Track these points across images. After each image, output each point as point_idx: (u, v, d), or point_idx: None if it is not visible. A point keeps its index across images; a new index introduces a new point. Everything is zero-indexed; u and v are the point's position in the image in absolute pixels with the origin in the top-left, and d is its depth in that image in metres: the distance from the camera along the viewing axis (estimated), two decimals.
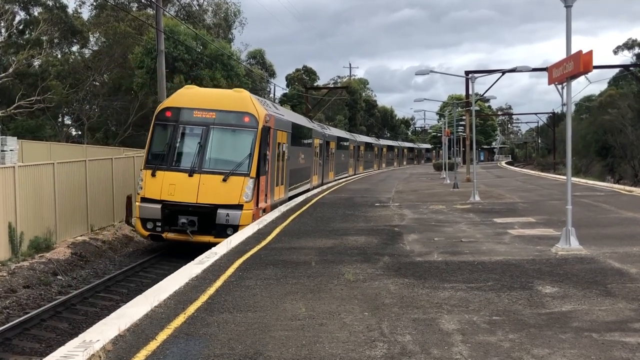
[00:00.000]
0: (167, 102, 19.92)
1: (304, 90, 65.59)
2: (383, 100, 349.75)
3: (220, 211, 18.08)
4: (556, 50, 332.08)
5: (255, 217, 18.62)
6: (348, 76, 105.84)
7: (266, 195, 20.44)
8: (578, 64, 11.36)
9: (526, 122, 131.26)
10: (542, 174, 54.08)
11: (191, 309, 8.23)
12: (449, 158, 53.69)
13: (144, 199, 18.45)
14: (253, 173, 18.73)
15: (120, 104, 44.98)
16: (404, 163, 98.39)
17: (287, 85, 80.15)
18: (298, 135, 27.61)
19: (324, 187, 33.95)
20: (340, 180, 42.36)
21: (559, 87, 13.09)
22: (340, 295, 8.92)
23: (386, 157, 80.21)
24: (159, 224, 18.33)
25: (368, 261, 11.49)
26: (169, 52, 37.82)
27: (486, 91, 47.38)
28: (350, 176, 50.28)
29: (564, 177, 15.30)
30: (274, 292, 9.13)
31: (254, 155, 18.85)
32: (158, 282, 10.31)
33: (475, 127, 29.97)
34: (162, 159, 18.77)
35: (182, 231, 18.18)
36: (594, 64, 12.13)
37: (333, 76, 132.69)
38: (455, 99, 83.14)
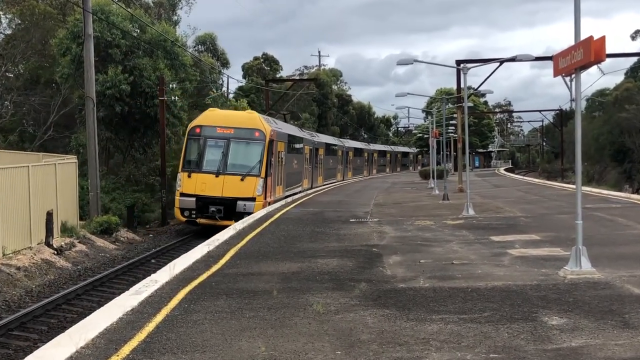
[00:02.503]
0: (196, 122, 31.22)
1: (263, 83, 65.59)
2: (358, 94, 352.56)
3: (239, 202, 29.15)
4: (562, 36, 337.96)
5: (263, 206, 29.23)
6: (316, 66, 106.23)
7: (271, 192, 31.57)
8: (588, 52, 11.52)
9: (529, 121, 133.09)
10: (548, 182, 54.79)
11: (125, 350, 8.12)
12: (438, 164, 54.10)
13: (183, 194, 29.48)
14: (262, 174, 29.93)
15: (39, 100, 44.39)
16: (398, 169, 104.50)
17: (244, 77, 79.94)
18: (292, 144, 38.66)
19: (289, 199, 34.21)
20: (310, 192, 42.44)
21: (567, 79, 13.26)
22: (308, 330, 8.90)
23: (377, 162, 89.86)
24: (193, 212, 29.26)
25: (341, 289, 11.48)
26: (101, 37, 37.51)
27: (481, 84, 48.02)
28: (338, 182, 59.38)
29: (574, 187, 15.49)
30: (227, 328, 9.06)
31: (263, 161, 30.09)
32: (85, 317, 10.16)
33: (468, 126, 30.26)
34: (195, 164, 30.07)
35: (211, 217, 29.05)
36: (608, 51, 12.33)
37: (299, 66, 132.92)
38: (445, 93, 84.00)
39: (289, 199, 34.39)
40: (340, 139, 70.20)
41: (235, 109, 57.01)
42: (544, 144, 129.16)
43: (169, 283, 12.11)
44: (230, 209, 29.04)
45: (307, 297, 10.87)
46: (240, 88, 71.14)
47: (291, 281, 12.24)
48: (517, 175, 77.87)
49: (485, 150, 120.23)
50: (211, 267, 13.77)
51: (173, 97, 38.88)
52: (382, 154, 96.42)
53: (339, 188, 49.03)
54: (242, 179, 29.54)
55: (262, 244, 17.33)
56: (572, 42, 12.32)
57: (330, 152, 57.28)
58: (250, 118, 31.59)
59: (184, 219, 29.94)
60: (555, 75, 13.20)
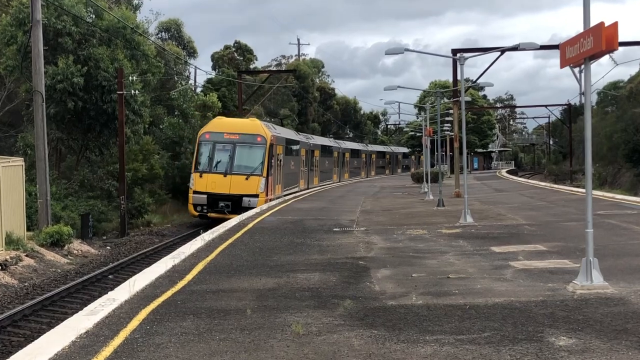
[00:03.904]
0: (206, 128, 40.46)
1: (235, 75, 65.55)
2: (342, 88, 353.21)
3: (244, 198, 37.51)
4: (570, 22, 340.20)
5: (265, 202, 37.20)
6: (296, 56, 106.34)
7: (271, 190, 40.29)
8: (599, 40, 11.60)
9: (533, 118, 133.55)
10: (555, 186, 55.10)
11: None
12: (432, 166, 54.27)
13: (195, 192, 38.13)
14: (264, 174, 38.63)
15: None
16: (398, 171, 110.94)
17: (214, 68, 79.85)
18: (289, 147, 47.82)
19: (265, 206, 34.35)
20: (289, 199, 42.53)
21: (575, 70, 13.35)
22: (286, 354, 8.90)
23: (376, 164, 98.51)
24: (205, 207, 37.84)
25: (323, 307, 11.49)
26: (49, 24, 37.31)
27: (480, 76, 48.15)
28: (334, 183, 67.54)
29: (583, 191, 15.59)
30: (195, 352, 9.04)
31: (264, 163, 38.79)
32: (34, 341, 10.10)
33: (466, 123, 30.38)
34: (206, 165, 38.67)
35: (220, 211, 37.14)
36: (621, 39, 12.41)
37: (275, 56, 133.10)
38: (439, 86, 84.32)
39: (265, 206, 34.53)
40: (337, 141, 79.29)
41: (204, 103, 57.40)
42: (551, 143, 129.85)
43: (129, 302, 12.06)
44: (237, 204, 37.25)
45: (285, 316, 10.86)
46: (209, 80, 71.11)
47: (267, 299, 12.23)
48: (520, 178, 78.27)
49: (485, 150, 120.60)
50: (176, 284, 13.73)
51: (133, 91, 38.74)
52: (381, 155, 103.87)
53: (325, 192, 49.14)
54: (246, 178, 38.19)
55: (234, 257, 17.30)
56: (580, 29, 12.41)
57: (326, 153, 65.98)
58: (253, 125, 40.54)
59: (197, 213, 38.62)
60: (562, 66, 13.27)
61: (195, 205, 38.22)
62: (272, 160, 39.96)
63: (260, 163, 38.71)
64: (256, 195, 37.72)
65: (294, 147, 50.15)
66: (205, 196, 37.70)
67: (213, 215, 37.21)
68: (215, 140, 38.93)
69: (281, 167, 43.85)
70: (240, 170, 38.41)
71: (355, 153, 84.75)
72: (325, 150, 66.28)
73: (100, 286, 22.45)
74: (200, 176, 38.22)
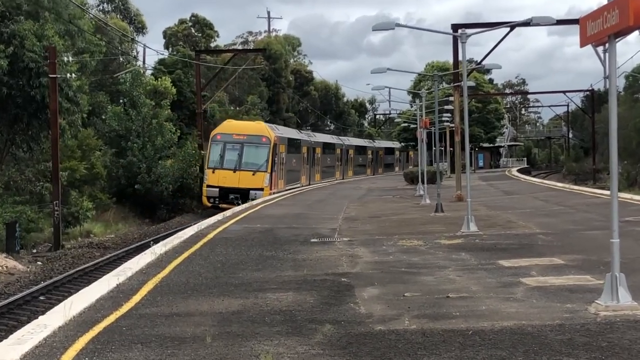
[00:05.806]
0: (218, 130, 54.83)
1: (193, 55, 65.41)
2: (321, 71, 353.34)
3: (251, 191, 51.05)
4: None
5: (269, 195, 50.35)
6: (266, 32, 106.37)
7: (275, 184, 53.88)
8: (626, 14, 11.65)
9: (549, 106, 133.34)
10: (575, 187, 55.35)
11: None
12: (430, 163, 54.38)
13: (209, 186, 52.56)
14: (269, 170, 52.60)
15: None
16: (410, 167, 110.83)
17: (166, 46, 79.68)
18: (291, 145, 62.03)
19: (229, 213, 34.33)
20: (256, 204, 42.58)
21: (598, 50, 13.42)
22: None
23: (383, 160, 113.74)
24: (217, 199, 52.03)
25: (298, 333, 11.49)
26: None
27: (485, 56, 48.32)
28: (336, 180, 79.45)
29: (608, 193, 15.67)
30: None
31: (269, 161, 52.77)
32: None
33: (469, 113, 30.46)
34: (217, 162, 52.96)
35: (230, 202, 48.72)
36: None
37: (241, 32, 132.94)
38: (437, 68, 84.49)
39: (229, 212, 34.51)
40: (341, 137, 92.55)
41: (155, 89, 57.46)
42: (570, 136, 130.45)
43: (64, 328, 12.02)
44: (245, 196, 49.71)
45: (252, 344, 10.86)
46: (161, 61, 70.92)
47: (231, 324, 12.22)
48: (534, 178, 78.59)
49: (491, 145, 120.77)
50: (122, 306, 13.68)
51: (68, 75, 38.55)
52: (390, 151, 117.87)
53: (302, 195, 49.26)
54: (253, 174, 51.85)
55: (191, 274, 17.26)
56: (604, 1, 12.47)
57: (328, 151, 79.32)
58: (259, 127, 55.68)
59: (210, 205, 51.86)
60: (582, 44, 13.34)
61: (208, 197, 52.31)
62: (276, 158, 53.90)
63: (265, 160, 52.52)
64: (261, 189, 51.27)
65: (296, 146, 64.14)
66: (217, 189, 51.65)
67: (224, 205, 47.78)
68: (225, 141, 53.01)
69: (284, 164, 58.21)
70: (247, 166, 52.30)
71: (360, 149, 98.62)
72: (328, 147, 79.58)
73: (30, 309, 22.34)
74: (213, 172, 52.37)
